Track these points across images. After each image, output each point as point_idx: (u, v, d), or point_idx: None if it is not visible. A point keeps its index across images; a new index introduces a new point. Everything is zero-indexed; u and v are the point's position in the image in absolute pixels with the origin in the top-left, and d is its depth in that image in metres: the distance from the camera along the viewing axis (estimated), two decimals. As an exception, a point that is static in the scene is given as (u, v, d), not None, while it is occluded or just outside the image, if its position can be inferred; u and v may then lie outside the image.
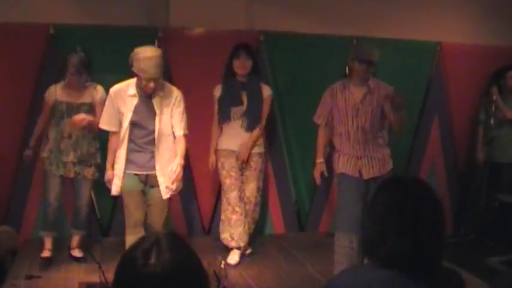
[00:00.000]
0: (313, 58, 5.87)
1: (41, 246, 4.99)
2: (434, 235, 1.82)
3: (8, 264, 4.73)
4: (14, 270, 4.67)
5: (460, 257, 4.92)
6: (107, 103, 4.45)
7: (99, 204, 5.59)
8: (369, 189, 4.50)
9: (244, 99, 5.14)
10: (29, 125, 5.31)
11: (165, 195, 4.39)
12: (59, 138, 4.86)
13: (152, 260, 1.42)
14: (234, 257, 5.11)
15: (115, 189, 4.43)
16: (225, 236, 5.18)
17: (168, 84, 4.50)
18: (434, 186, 6.02)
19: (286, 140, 5.98)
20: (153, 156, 4.38)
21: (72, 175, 4.91)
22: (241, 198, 5.15)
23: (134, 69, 4.21)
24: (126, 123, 4.35)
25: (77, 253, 5.05)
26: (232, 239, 5.13)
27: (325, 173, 4.83)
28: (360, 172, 4.57)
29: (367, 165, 4.59)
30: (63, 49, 5.30)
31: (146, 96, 4.33)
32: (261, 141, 5.29)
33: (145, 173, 4.39)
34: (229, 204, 5.12)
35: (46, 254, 4.95)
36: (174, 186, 4.36)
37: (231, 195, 5.12)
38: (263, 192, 5.89)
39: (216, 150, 5.21)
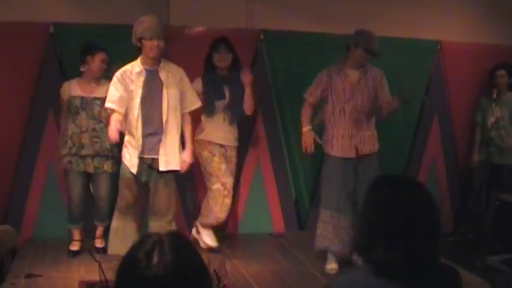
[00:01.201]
0: (313, 57, 5.87)
1: (42, 245, 5.03)
2: (426, 241, 1.77)
3: (8, 263, 4.72)
4: (14, 269, 4.67)
5: (460, 256, 4.92)
6: (112, 85, 4.51)
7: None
8: (359, 168, 4.84)
9: (226, 92, 5.18)
10: (29, 125, 5.31)
11: (162, 167, 4.51)
12: (77, 133, 4.91)
13: (154, 262, 1.41)
14: (213, 239, 5.20)
15: (136, 169, 4.52)
16: (206, 221, 5.16)
17: (171, 63, 4.66)
18: (434, 185, 6.09)
19: (286, 138, 5.97)
20: (160, 140, 4.49)
21: (91, 170, 4.97)
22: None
23: (139, 35, 4.37)
24: (137, 100, 4.44)
25: (98, 243, 5.13)
26: (218, 222, 5.17)
27: (318, 140, 5.02)
28: (356, 150, 4.85)
29: (360, 143, 4.87)
30: (63, 48, 5.32)
31: (152, 72, 4.44)
32: (238, 135, 5.31)
33: (152, 156, 4.49)
34: (225, 188, 5.09)
35: (74, 247, 5.07)
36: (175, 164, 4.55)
37: (228, 180, 5.13)
38: (263, 191, 5.91)
39: (201, 142, 5.16)
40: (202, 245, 5.14)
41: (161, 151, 4.52)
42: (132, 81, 4.44)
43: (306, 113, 5.06)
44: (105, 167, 4.97)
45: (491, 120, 5.84)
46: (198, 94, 5.05)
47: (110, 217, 5.00)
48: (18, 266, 4.74)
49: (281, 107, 5.93)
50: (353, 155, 4.85)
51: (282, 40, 5.85)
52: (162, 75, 4.51)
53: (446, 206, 6.27)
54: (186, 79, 4.70)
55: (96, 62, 4.93)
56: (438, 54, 6.23)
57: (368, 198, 1.87)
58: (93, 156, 4.93)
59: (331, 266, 4.88)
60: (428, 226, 1.79)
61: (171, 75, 4.55)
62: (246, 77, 5.16)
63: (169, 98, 4.48)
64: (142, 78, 4.45)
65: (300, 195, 6.08)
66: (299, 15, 5.90)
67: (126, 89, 4.45)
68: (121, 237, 4.67)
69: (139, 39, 4.44)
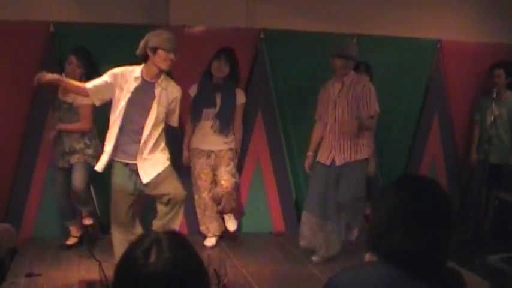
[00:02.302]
0: (313, 56, 5.87)
1: (42, 243, 5.08)
2: (440, 237, 1.81)
3: (8, 263, 4.73)
4: (14, 268, 4.67)
5: (460, 255, 4.89)
6: (105, 76, 4.36)
7: (99, 203, 5.59)
8: (342, 174, 4.90)
9: (218, 101, 5.24)
10: (29, 124, 5.31)
11: (145, 179, 4.35)
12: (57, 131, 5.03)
13: (152, 259, 1.41)
14: (210, 241, 5.42)
15: (100, 166, 4.39)
16: (202, 228, 5.50)
17: (170, 80, 4.51)
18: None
19: (286, 138, 5.98)
20: (137, 151, 4.34)
21: (67, 165, 5.02)
22: (213, 197, 5.39)
23: (156, 44, 4.25)
24: (122, 103, 4.31)
25: (86, 221, 5.18)
26: (209, 231, 5.47)
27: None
28: (333, 160, 4.92)
29: (339, 153, 4.91)
30: (63, 47, 5.32)
31: (150, 83, 4.34)
32: (231, 138, 5.36)
33: (134, 162, 4.37)
34: (199, 204, 5.45)
35: (70, 241, 5.19)
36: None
37: (202, 196, 5.41)
38: (263, 191, 5.91)
39: (191, 150, 5.37)
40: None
41: (139, 164, 4.36)
42: (126, 81, 4.34)
43: (313, 134, 5.18)
44: (76, 160, 5.01)
45: (490, 119, 5.84)
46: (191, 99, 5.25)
47: (91, 202, 5.21)
48: (18, 265, 4.74)
49: (281, 107, 5.93)
50: (328, 162, 4.93)
51: (282, 39, 5.85)
52: (157, 91, 4.35)
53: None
54: (179, 100, 4.52)
55: (67, 66, 4.98)
56: (438, 53, 6.23)
57: (390, 193, 1.91)
58: (64, 153, 5.01)
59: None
60: (442, 226, 1.82)
61: (165, 94, 4.39)
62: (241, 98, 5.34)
63: (157, 115, 4.35)
64: (135, 85, 4.32)
65: (300, 194, 6.08)
66: (299, 14, 5.91)
67: (119, 87, 4.33)
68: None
69: (155, 49, 4.29)
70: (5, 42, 5.22)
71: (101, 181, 5.49)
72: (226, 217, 5.50)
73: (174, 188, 4.44)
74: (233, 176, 5.35)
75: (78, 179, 5.01)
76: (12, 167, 5.39)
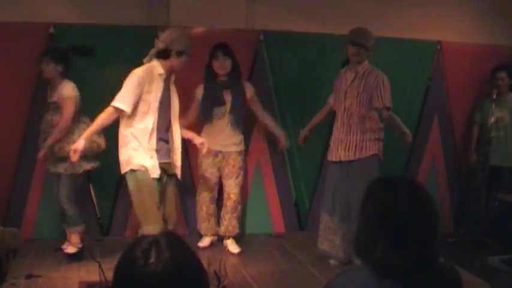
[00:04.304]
0: (313, 57, 5.87)
1: (42, 245, 5.08)
2: (424, 242, 1.77)
3: (7, 264, 4.72)
4: (14, 269, 4.67)
5: (460, 256, 4.92)
6: (132, 83, 4.18)
7: (99, 204, 5.59)
8: (350, 172, 4.82)
9: (228, 98, 5.23)
10: (29, 125, 5.31)
11: (177, 171, 4.50)
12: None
13: (152, 260, 1.41)
14: (204, 241, 5.44)
15: (157, 173, 4.26)
16: (198, 227, 5.53)
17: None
18: (434, 186, 6.08)
19: (286, 138, 5.97)
20: (169, 146, 4.43)
21: (52, 170, 4.85)
22: (211, 199, 5.42)
23: (183, 48, 4.28)
24: (156, 104, 4.24)
25: (69, 249, 4.90)
26: (201, 229, 5.49)
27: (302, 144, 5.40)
28: (340, 155, 4.87)
29: (344, 149, 4.84)
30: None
31: (167, 78, 4.38)
32: (240, 139, 5.36)
33: (167, 161, 4.41)
34: (198, 202, 5.46)
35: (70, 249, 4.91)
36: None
37: (200, 196, 5.43)
38: (263, 191, 5.90)
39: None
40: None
41: (173, 157, 4.46)
42: (154, 80, 4.25)
43: (317, 114, 5.34)
44: (61, 169, 4.77)
45: (491, 120, 5.84)
46: (198, 101, 5.23)
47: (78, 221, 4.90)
48: (18, 266, 4.74)
49: (281, 107, 5.93)
50: (337, 159, 4.86)
51: (282, 40, 5.85)
52: (171, 82, 4.44)
53: (446, 206, 6.27)
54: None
55: (44, 67, 4.86)
56: (438, 55, 6.23)
57: (367, 200, 1.87)
58: (58, 159, 4.76)
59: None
60: (426, 227, 1.79)
61: (174, 87, 4.51)
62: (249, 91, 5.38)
63: (174, 106, 4.45)
64: (162, 83, 4.31)
65: (300, 195, 6.08)
66: (299, 15, 5.91)
67: (147, 89, 4.23)
68: None
69: (181, 53, 4.28)
70: (5, 43, 5.22)
71: (101, 181, 5.51)
72: (228, 242, 5.41)
73: (173, 208, 4.56)
74: (240, 187, 5.42)
75: (64, 192, 4.81)
76: (12, 168, 5.38)
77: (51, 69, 4.84)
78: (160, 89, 4.29)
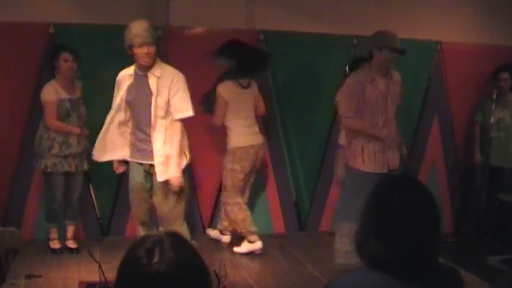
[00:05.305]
0: (313, 57, 5.87)
1: (42, 245, 5.05)
2: (421, 240, 1.75)
3: (7, 264, 4.72)
4: (14, 269, 4.67)
5: (460, 256, 4.91)
6: (115, 88, 4.48)
7: (99, 204, 5.59)
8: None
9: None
10: (29, 125, 5.31)
11: (160, 177, 4.30)
12: (64, 135, 4.94)
13: (156, 259, 1.41)
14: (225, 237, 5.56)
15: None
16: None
17: (166, 66, 4.43)
18: (434, 186, 6.08)
19: (286, 139, 5.97)
20: (151, 148, 4.32)
21: (73, 169, 5.01)
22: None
23: (128, 42, 4.24)
24: (123, 103, 4.39)
25: (71, 244, 5.14)
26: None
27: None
28: (388, 165, 4.55)
29: (392, 157, 4.60)
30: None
31: (143, 77, 4.31)
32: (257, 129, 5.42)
33: (149, 162, 4.36)
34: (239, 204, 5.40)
35: (56, 245, 5.11)
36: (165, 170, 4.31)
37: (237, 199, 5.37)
38: (263, 191, 5.90)
39: (231, 151, 5.26)
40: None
41: (156, 160, 4.29)
42: (124, 81, 4.39)
43: (362, 123, 4.59)
44: (85, 166, 5.08)
45: (491, 121, 5.83)
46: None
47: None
48: (18, 266, 4.74)
49: (281, 108, 5.93)
50: (385, 170, 4.53)
51: (282, 41, 5.85)
52: (151, 81, 4.27)
53: (446, 206, 6.26)
54: (178, 85, 4.31)
55: (61, 63, 4.93)
56: (438, 55, 6.23)
57: (367, 198, 1.88)
58: (74, 156, 4.98)
59: None
60: (423, 225, 1.77)
61: (161, 82, 4.27)
62: None
63: (156, 108, 4.26)
64: (129, 83, 4.33)
65: (300, 195, 6.08)
66: (299, 15, 5.91)
67: (123, 90, 4.41)
68: None
69: (130, 47, 4.26)
70: (5, 43, 5.22)
71: (101, 182, 5.51)
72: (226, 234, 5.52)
73: (164, 212, 4.48)
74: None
75: (81, 189, 5.18)
76: (12, 168, 5.38)
77: (69, 66, 4.95)
78: (125, 88, 4.35)
